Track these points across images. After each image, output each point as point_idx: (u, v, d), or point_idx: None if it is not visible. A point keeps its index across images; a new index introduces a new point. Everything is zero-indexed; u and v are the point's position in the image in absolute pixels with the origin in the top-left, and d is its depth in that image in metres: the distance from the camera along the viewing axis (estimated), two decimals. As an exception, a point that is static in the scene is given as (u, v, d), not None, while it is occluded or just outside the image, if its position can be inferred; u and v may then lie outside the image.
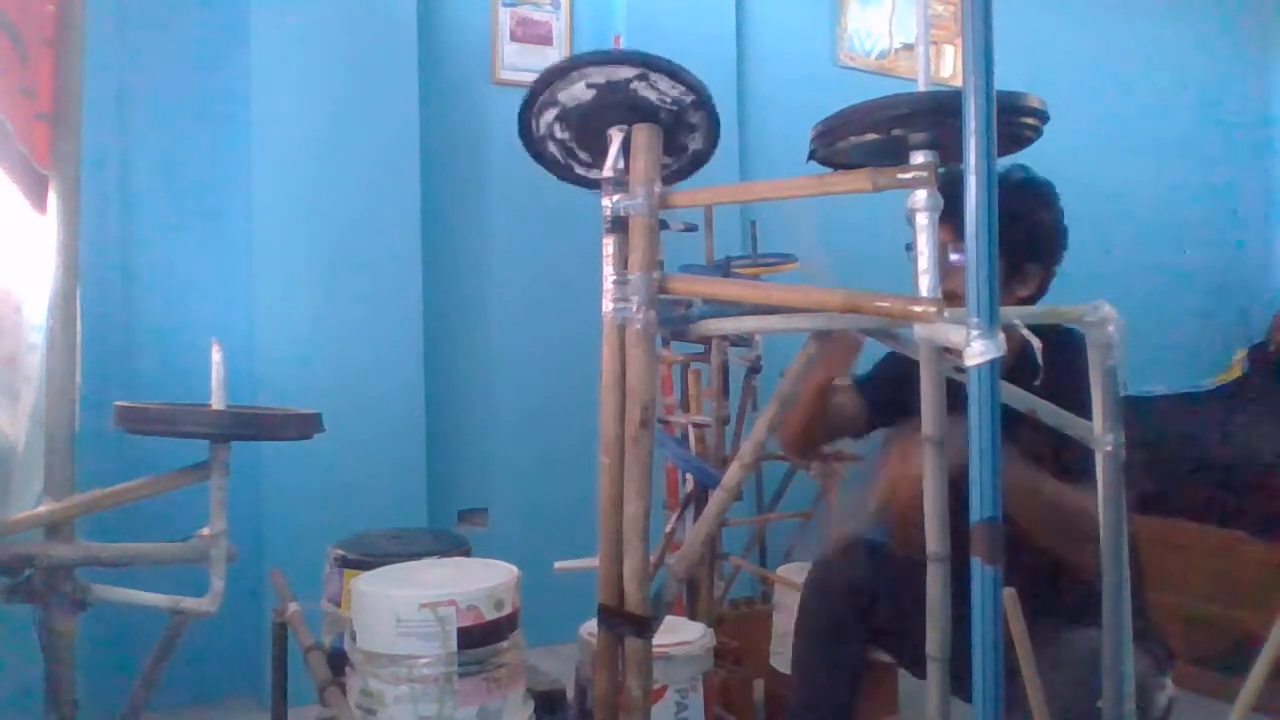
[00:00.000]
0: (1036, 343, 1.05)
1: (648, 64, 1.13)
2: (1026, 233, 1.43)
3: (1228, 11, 4.35)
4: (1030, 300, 1.47)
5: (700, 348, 2.25)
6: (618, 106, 1.18)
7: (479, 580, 1.25)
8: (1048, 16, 3.78)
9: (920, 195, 0.95)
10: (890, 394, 1.57)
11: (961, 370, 0.83)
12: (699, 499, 2.07)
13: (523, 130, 1.26)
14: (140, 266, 2.39)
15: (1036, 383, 1.06)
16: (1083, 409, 1.05)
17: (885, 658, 1.62)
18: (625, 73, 1.14)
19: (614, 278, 1.15)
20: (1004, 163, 1.46)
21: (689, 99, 1.18)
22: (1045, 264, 1.49)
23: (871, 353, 1.47)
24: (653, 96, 1.17)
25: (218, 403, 1.31)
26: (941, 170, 0.99)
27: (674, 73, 1.14)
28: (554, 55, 2.86)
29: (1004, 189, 1.44)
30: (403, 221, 2.53)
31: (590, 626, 1.48)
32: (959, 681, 1.00)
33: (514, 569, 1.33)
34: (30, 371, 1.42)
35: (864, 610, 1.52)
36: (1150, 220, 4.10)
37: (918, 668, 1.55)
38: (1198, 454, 2.62)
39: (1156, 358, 3.82)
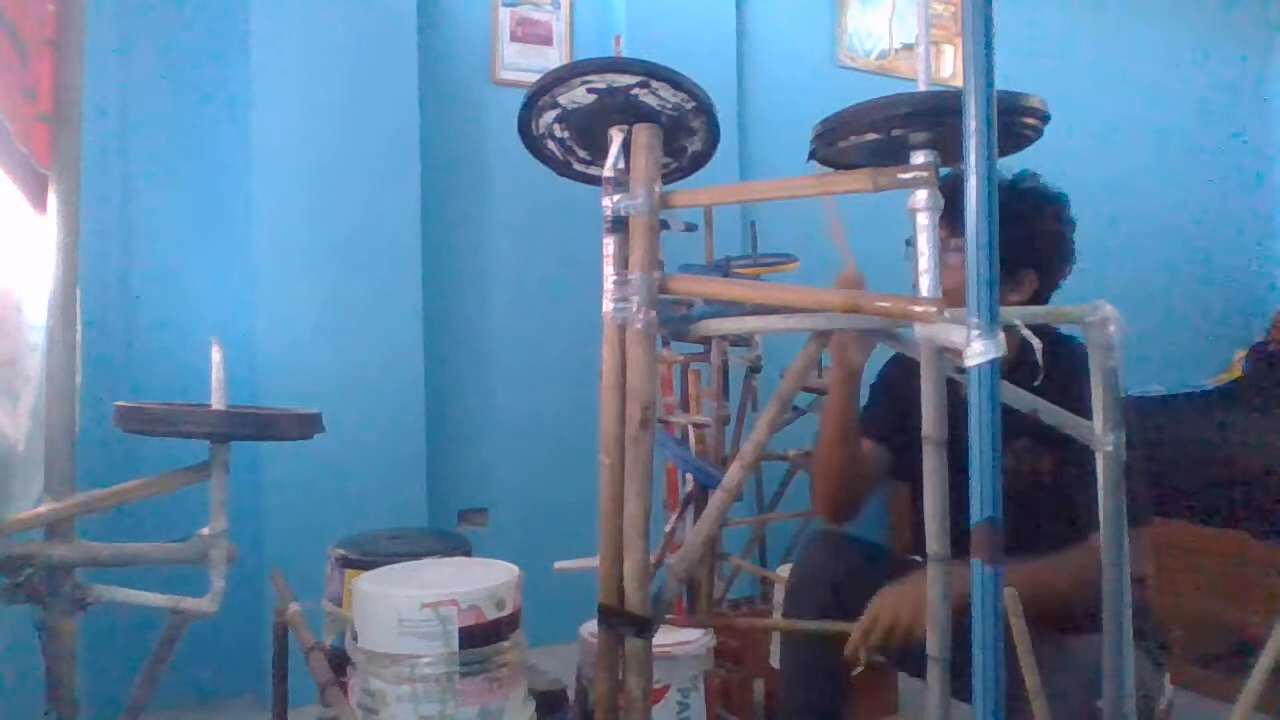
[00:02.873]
0: (1037, 344, 1.05)
1: (650, 72, 1.13)
2: (1025, 237, 1.42)
3: (1228, 11, 4.35)
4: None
5: (700, 348, 2.25)
6: (618, 110, 1.18)
7: (480, 580, 1.25)
8: (1048, 16, 3.78)
9: (921, 195, 0.95)
10: (891, 421, 1.57)
11: (962, 370, 0.83)
12: (699, 499, 2.07)
13: (522, 128, 1.26)
14: (140, 266, 2.39)
15: (1036, 383, 1.06)
16: (1083, 415, 1.05)
17: (880, 657, 1.61)
18: (626, 79, 1.14)
19: (614, 278, 1.15)
20: (1015, 168, 1.47)
21: (689, 105, 1.18)
22: (1042, 272, 1.48)
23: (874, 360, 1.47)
24: (653, 102, 1.17)
25: (218, 403, 1.31)
26: (944, 172, 0.99)
27: (676, 81, 1.14)
28: (554, 55, 2.86)
29: (1009, 193, 1.45)
30: (403, 221, 2.53)
31: (590, 626, 1.48)
32: (958, 681, 1.00)
33: (515, 568, 1.33)
34: (30, 371, 1.42)
35: (848, 605, 1.52)
36: (1150, 220, 4.10)
37: (910, 665, 1.56)
38: (1198, 454, 2.62)
39: (1156, 358, 3.83)
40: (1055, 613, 1.27)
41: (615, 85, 1.15)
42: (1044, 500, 1.43)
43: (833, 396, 1.52)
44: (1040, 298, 1.49)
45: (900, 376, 1.60)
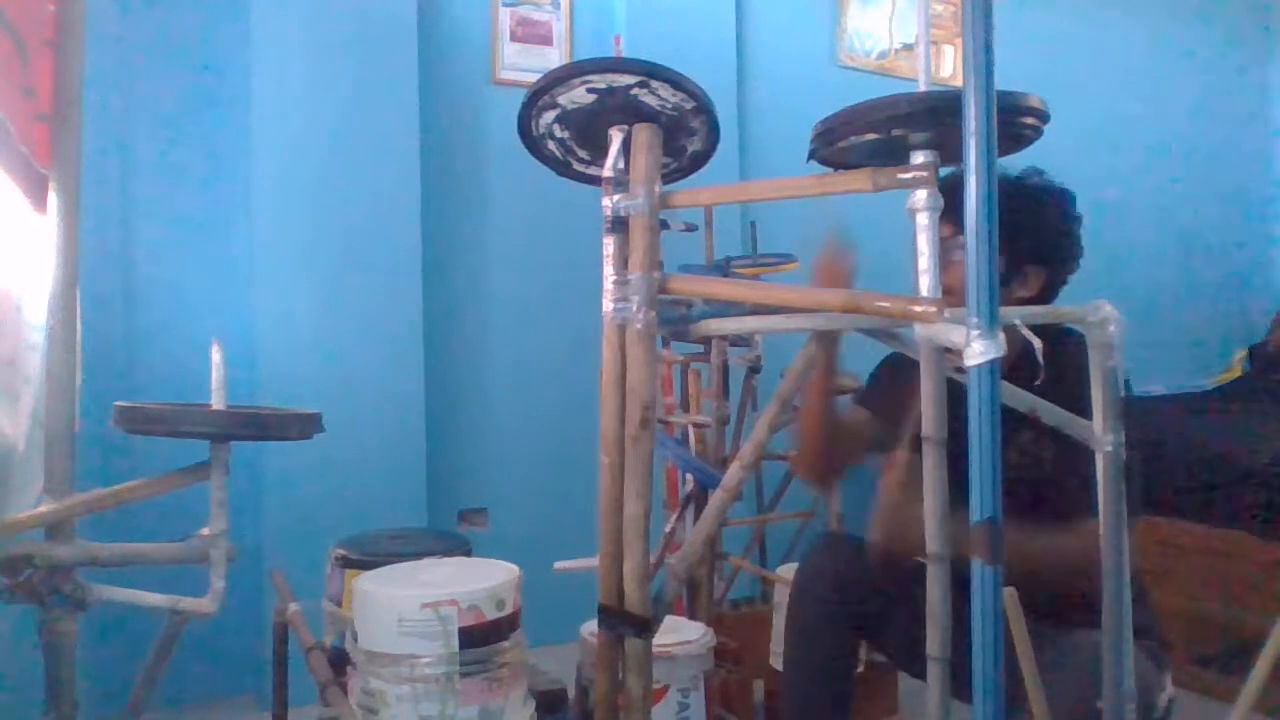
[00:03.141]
0: (1037, 343, 1.05)
1: (650, 72, 1.13)
2: (1031, 233, 1.42)
3: (1228, 11, 4.36)
4: (1031, 304, 1.46)
5: (700, 348, 2.25)
6: (618, 110, 1.18)
7: (480, 580, 1.25)
8: (1048, 16, 3.78)
9: (920, 195, 0.95)
10: (891, 398, 1.57)
11: (961, 370, 0.83)
12: (699, 499, 2.07)
13: (522, 128, 1.26)
14: (141, 266, 2.39)
15: (1037, 382, 1.06)
16: (1083, 412, 1.05)
17: (880, 657, 1.61)
18: (627, 79, 1.14)
19: (614, 278, 1.15)
20: (1020, 165, 1.47)
21: (689, 105, 1.18)
22: (1050, 268, 1.47)
23: (871, 355, 1.47)
24: (653, 102, 1.17)
25: (218, 403, 1.31)
26: (945, 172, 1.00)
27: (676, 81, 1.14)
28: (554, 55, 2.86)
29: (1015, 189, 1.45)
30: (403, 221, 2.53)
31: (590, 626, 1.48)
32: (957, 681, 1.00)
33: (515, 568, 1.33)
34: (30, 371, 1.42)
35: (852, 606, 1.52)
36: (1150, 220, 4.10)
37: (911, 666, 1.56)
38: (1198, 454, 2.62)
39: (1156, 358, 3.83)
40: (1048, 570, 1.28)
41: (615, 85, 1.15)
42: (1042, 489, 1.43)
43: (813, 377, 1.50)
44: (1048, 293, 1.48)
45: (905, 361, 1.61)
